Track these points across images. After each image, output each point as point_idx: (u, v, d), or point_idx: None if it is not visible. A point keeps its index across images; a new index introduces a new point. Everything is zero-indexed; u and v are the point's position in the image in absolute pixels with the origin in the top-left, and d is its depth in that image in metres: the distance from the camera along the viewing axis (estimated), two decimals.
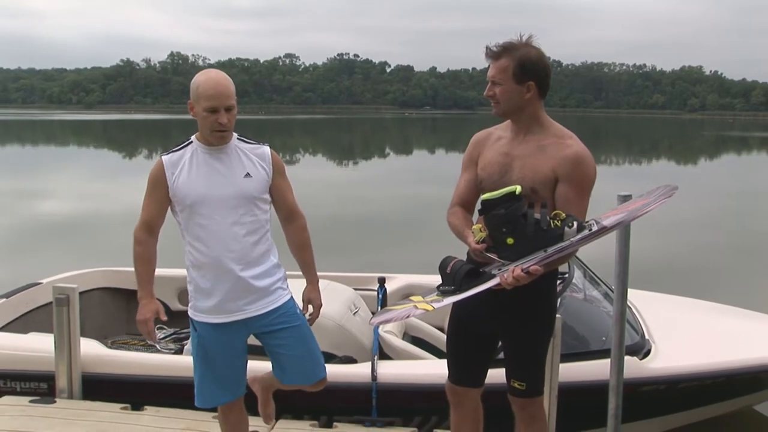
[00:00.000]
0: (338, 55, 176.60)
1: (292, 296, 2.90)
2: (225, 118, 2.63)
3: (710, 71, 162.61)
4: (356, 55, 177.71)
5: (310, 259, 2.98)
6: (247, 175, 2.73)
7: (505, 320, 2.68)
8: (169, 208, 2.77)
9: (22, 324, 4.66)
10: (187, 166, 2.71)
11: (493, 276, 2.46)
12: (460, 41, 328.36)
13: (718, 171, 26.75)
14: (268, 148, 2.84)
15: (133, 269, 5.52)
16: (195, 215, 2.69)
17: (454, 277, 2.53)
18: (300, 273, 3.00)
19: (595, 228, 2.43)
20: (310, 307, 2.98)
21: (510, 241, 2.42)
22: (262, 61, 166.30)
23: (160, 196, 2.72)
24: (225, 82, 2.66)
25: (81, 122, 68.44)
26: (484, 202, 2.48)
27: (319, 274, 5.04)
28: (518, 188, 2.44)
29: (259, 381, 3.11)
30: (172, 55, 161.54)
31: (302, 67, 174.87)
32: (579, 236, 2.40)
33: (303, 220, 2.93)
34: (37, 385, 3.98)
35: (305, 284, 3.02)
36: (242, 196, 2.71)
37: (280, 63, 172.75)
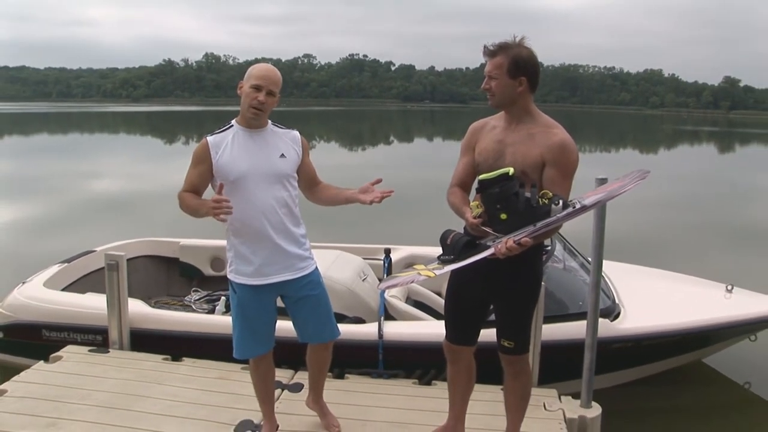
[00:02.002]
0: (350, 55, 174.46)
1: (317, 266, 2.86)
2: (264, 98, 2.59)
3: (668, 74, 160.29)
4: (365, 56, 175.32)
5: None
6: (282, 155, 2.70)
7: (497, 287, 2.62)
8: (209, 184, 2.70)
9: (80, 285, 4.69)
10: (229, 146, 2.66)
11: (488, 247, 2.40)
12: (455, 44, 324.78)
13: (674, 159, 26.62)
14: (297, 132, 2.81)
15: (171, 239, 5.56)
16: (237, 189, 2.63)
17: (454, 247, 2.47)
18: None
19: (578, 206, 2.38)
20: (374, 189, 2.69)
21: (503, 216, 2.37)
22: (283, 60, 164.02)
23: (202, 170, 2.66)
24: (276, 72, 2.67)
25: (129, 113, 68.08)
26: (481, 181, 2.43)
27: (331, 245, 5.04)
28: (511, 170, 2.39)
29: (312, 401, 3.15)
30: (206, 55, 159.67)
31: (318, 65, 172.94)
32: (564, 213, 2.35)
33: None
34: (93, 337, 4.02)
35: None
36: (278, 173, 2.68)
37: (300, 62, 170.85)
